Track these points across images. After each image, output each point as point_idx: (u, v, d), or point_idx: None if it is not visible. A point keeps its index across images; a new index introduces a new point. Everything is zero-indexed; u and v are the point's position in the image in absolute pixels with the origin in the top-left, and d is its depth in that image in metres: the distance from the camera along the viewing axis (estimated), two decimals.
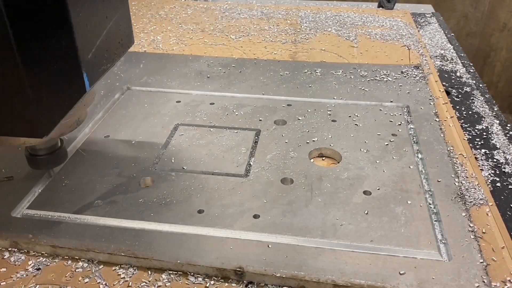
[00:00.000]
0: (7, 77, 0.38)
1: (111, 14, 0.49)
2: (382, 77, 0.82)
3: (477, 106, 0.77)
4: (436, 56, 0.96)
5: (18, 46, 0.36)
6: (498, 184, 0.58)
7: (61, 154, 0.55)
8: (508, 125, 0.71)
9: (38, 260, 0.47)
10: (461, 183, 0.56)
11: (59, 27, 0.41)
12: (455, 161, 0.60)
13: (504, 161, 0.63)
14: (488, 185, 0.58)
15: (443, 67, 0.91)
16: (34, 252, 0.48)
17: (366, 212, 0.51)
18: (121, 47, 0.53)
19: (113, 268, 0.46)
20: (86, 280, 0.45)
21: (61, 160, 0.56)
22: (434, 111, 0.71)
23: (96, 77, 0.47)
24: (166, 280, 0.45)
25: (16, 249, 0.48)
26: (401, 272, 0.44)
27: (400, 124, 0.68)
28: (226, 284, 0.45)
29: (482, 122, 0.72)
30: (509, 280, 0.43)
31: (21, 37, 0.36)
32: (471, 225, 0.49)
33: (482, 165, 0.62)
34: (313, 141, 0.64)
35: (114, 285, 0.44)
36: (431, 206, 0.53)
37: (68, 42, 0.42)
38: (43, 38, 0.40)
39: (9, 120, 0.41)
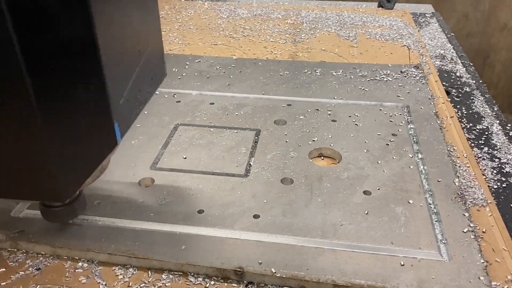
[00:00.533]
0: (23, 133, 0.30)
1: (144, 46, 0.40)
2: (382, 77, 0.82)
3: (477, 106, 0.77)
4: (436, 56, 0.96)
5: (38, 97, 0.29)
6: (499, 184, 0.58)
7: (80, 204, 0.47)
8: (508, 125, 0.71)
9: (38, 260, 0.47)
10: (461, 183, 0.56)
11: (88, 71, 0.33)
12: (455, 161, 0.60)
13: (504, 161, 0.63)
14: (488, 185, 0.58)
15: (443, 67, 0.91)
16: (34, 252, 0.48)
17: (366, 212, 0.51)
18: (154, 83, 0.43)
19: (113, 268, 0.46)
20: (86, 280, 0.45)
21: (79, 210, 0.47)
22: (434, 111, 0.70)
23: (128, 125, 0.39)
24: (166, 280, 0.45)
25: (16, 249, 0.48)
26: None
27: (400, 124, 0.68)
28: (226, 284, 0.45)
29: (482, 122, 0.72)
30: (510, 280, 0.43)
31: (40, 86, 0.29)
32: (471, 225, 0.49)
33: (483, 165, 0.62)
34: (313, 141, 0.64)
35: (114, 285, 0.44)
36: (431, 206, 0.52)
37: (98, 88, 0.34)
38: (67, 85, 0.32)
39: (26, 183, 0.34)
